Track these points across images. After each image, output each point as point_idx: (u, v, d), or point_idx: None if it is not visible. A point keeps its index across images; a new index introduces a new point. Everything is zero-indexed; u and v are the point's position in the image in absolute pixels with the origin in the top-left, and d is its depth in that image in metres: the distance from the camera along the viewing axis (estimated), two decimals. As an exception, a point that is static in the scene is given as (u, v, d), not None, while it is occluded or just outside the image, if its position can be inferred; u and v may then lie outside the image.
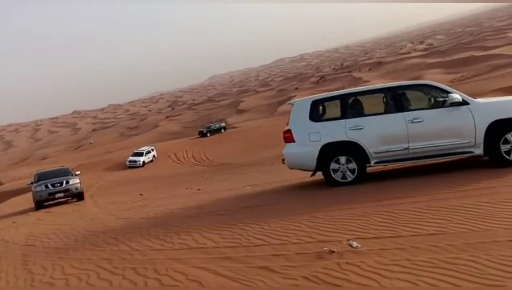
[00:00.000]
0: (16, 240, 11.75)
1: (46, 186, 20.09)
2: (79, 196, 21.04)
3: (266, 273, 5.78)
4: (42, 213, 18.99)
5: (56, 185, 20.21)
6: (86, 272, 7.36)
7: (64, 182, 20.44)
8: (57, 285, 7.01)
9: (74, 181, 20.90)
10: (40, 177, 21.16)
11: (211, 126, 65.45)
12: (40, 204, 19.96)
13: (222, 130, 63.05)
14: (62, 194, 20.36)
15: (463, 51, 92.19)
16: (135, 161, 50.42)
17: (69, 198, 21.34)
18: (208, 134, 61.75)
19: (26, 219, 17.08)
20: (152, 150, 53.28)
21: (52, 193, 20.04)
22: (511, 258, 4.90)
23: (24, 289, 7.18)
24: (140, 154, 51.39)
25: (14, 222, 16.12)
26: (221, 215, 10.39)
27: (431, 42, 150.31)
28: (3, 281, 7.80)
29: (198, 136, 63.59)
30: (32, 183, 21.26)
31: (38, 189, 20.09)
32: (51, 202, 20.47)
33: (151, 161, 51.19)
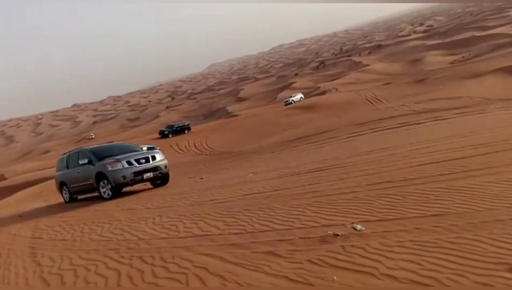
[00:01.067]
0: (23, 233, 11.87)
1: (130, 163, 14.81)
2: (166, 178, 16.68)
3: (271, 258, 5.85)
4: (46, 205, 19.14)
5: (141, 161, 15.19)
6: (94, 263, 7.46)
7: (151, 157, 15.55)
8: (66, 275, 7.11)
9: (162, 157, 16.11)
10: (101, 153, 15.52)
11: (173, 125, 55.36)
12: (119, 190, 15.31)
13: (186, 131, 52.44)
14: (151, 174, 15.43)
15: (464, 31, 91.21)
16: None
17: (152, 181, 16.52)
18: (170, 135, 52.05)
19: (32, 212, 17.22)
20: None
21: (138, 172, 15.00)
22: (514, 236, 4.94)
23: (33, 280, 7.29)
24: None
25: (20, 216, 16.27)
26: (224, 203, 10.45)
27: (431, 23, 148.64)
28: (12, 273, 7.91)
29: (159, 136, 54.29)
30: (89, 162, 15.32)
31: (116, 167, 14.66)
32: (129, 187, 15.80)
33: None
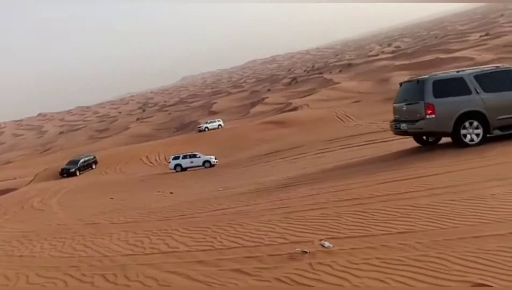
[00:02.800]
0: (-23, 249, 11.18)
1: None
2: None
3: (239, 276, 5.75)
4: (4, 219, 18.17)
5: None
6: (53, 281, 7.08)
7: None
8: (21, 295, 6.71)
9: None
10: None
11: (78, 160, 42.39)
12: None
13: (94, 165, 42.54)
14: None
15: (429, 53, 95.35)
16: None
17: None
18: (78, 172, 40.67)
19: (-12, 226, 16.30)
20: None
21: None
22: (475, 254, 5.07)
23: (-15, 301, 6.84)
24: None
25: (-26, 230, 15.35)
26: (193, 218, 10.26)
27: (399, 44, 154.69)
28: (-39, 293, 7.40)
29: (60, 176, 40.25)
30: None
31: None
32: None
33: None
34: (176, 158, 33.08)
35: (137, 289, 6.01)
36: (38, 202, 22.68)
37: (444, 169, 10.52)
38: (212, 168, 31.97)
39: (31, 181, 39.28)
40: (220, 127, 58.46)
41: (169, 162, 33.55)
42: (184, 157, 33.00)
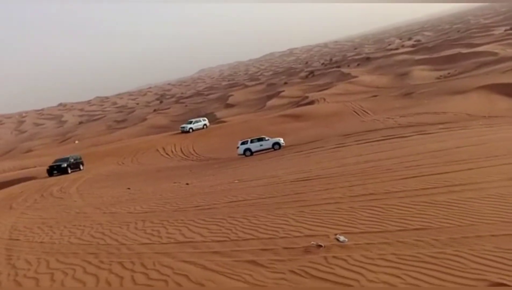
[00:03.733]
0: (0, 234, 11.55)
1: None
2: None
3: (253, 267, 5.80)
4: (25, 206, 18.66)
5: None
6: (72, 267, 7.28)
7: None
8: (42, 280, 6.92)
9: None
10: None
11: (68, 158, 37.21)
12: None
13: (81, 166, 37.21)
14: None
15: (450, 48, 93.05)
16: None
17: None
18: (69, 170, 35.29)
19: (10, 213, 16.79)
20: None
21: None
22: (493, 253, 5.00)
23: (7, 283, 7.07)
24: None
25: (-3, 216, 15.85)
26: (209, 209, 10.37)
27: (419, 38, 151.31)
28: (-14, 275, 7.67)
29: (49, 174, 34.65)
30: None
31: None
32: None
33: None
34: (245, 142, 31.88)
35: (154, 277, 6.13)
36: (58, 190, 23.20)
37: (464, 166, 10.35)
38: (227, 162, 32.05)
39: (51, 169, 40.16)
40: (205, 127, 53.21)
41: (237, 148, 32.88)
42: (252, 141, 32.20)
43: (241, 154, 31.99)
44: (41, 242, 9.71)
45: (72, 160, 37.34)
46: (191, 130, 51.01)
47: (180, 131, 52.66)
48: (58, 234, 10.33)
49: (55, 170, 34.88)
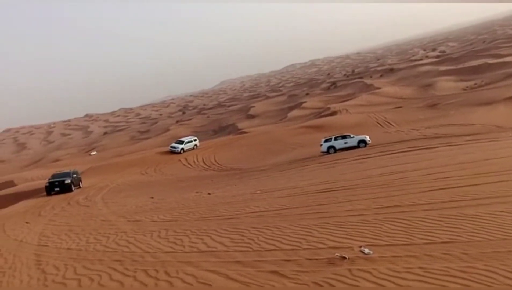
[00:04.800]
0: (29, 240, 11.90)
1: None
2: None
3: (276, 278, 5.77)
4: (53, 214, 19.19)
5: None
6: (98, 273, 7.43)
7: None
8: (70, 285, 7.08)
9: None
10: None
11: (69, 173, 30.16)
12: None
13: (80, 183, 30.69)
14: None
15: (476, 58, 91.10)
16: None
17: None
18: (73, 187, 28.33)
19: (38, 220, 17.29)
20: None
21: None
22: (527, 268, 4.81)
23: (37, 288, 7.26)
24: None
25: (27, 223, 16.34)
26: (231, 219, 10.39)
27: (444, 49, 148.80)
28: (16, 279, 7.91)
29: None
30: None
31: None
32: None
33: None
34: (328, 140, 30.95)
35: (177, 285, 6.17)
36: (83, 198, 23.76)
37: (493, 178, 10.05)
38: (248, 172, 31.97)
39: (77, 178, 41.30)
40: (195, 147, 47.76)
41: (321, 145, 31.79)
42: (336, 138, 30.74)
43: (324, 152, 30.45)
44: (68, 249, 9.94)
45: (75, 176, 30.35)
46: (182, 151, 45.50)
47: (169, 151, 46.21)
48: (85, 241, 10.55)
49: (57, 186, 27.93)
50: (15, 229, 14.73)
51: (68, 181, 28.26)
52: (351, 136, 31.33)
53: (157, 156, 44.32)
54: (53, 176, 29.56)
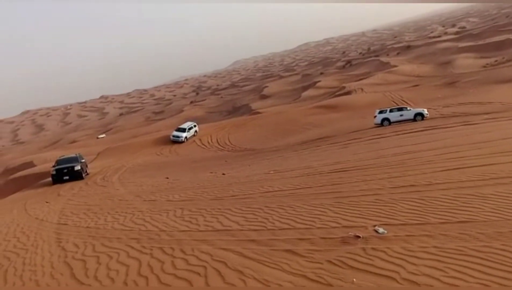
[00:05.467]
0: (50, 219, 12.26)
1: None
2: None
3: (290, 256, 5.82)
4: (72, 193, 19.68)
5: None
6: (116, 251, 7.63)
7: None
8: (89, 262, 7.30)
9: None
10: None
11: (77, 157, 25.88)
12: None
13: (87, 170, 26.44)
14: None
15: (498, 34, 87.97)
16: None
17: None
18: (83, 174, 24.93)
19: (58, 199, 17.77)
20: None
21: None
22: (545, 248, 4.74)
23: (58, 264, 7.51)
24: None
25: (47, 202, 16.82)
26: (245, 199, 10.48)
27: (464, 25, 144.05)
28: (38, 256, 8.19)
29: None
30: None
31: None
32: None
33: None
34: (383, 111, 29.73)
35: (193, 263, 6.30)
36: (101, 179, 24.24)
37: (510, 158, 9.84)
38: (262, 153, 31.92)
39: (93, 159, 42.03)
40: (196, 133, 44.25)
41: (375, 117, 30.83)
42: (392, 110, 29.51)
43: (377, 124, 29.32)
44: (87, 227, 10.22)
45: (83, 160, 26.21)
46: (185, 139, 42.08)
47: (171, 141, 42.12)
48: (103, 220, 10.82)
49: (66, 174, 23.90)
50: (36, 209, 15.18)
51: (78, 167, 24.43)
52: (408, 108, 29.93)
53: (168, 136, 44.64)
54: (58, 162, 25.04)
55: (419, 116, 28.64)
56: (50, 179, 25.52)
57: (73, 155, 27.34)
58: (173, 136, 42.63)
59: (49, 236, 9.84)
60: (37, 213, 13.91)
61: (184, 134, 42.39)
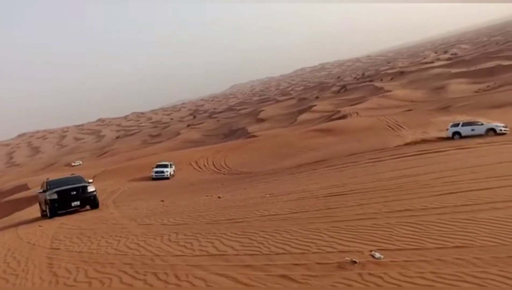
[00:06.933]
0: (42, 243, 12.05)
1: None
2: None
3: (286, 282, 5.73)
4: (65, 218, 19.41)
5: None
6: (109, 276, 7.47)
7: None
8: (81, 288, 7.14)
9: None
10: None
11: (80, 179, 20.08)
12: None
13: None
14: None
15: (489, 60, 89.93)
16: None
17: None
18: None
19: (51, 223, 17.50)
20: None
21: None
22: (542, 274, 4.71)
23: (49, 291, 7.34)
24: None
25: (40, 226, 16.56)
26: (241, 223, 10.39)
27: (455, 51, 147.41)
28: (29, 282, 8.00)
29: None
30: None
31: None
32: None
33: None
34: (455, 125, 29.54)
35: (187, 289, 6.18)
36: (95, 202, 24.00)
37: (506, 182, 9.88)
38: (258, 176, 31.84)
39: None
40: (174, 173, 42.21)
41: (447, 129, 31.02)
42: (464, 124, 29.01)
43: (449, 137, 29.04)
44: (80, 252, 10.04)
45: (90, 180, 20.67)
46: (170, 175, 40.40)
47: (151, 177, 39.55)
48: (96, 244, 10.64)
49: (75, 199, 18.70)
50: (29, 232, 14.93)
51: (92, 188, 19.20)
52: (480, 123, 29.16)
53: (168, 159, 44.61)
54: (57, 183, 19.39)
55: (491, 131, 27.74)
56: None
57: (67, 177, 23.32)
58: (156, 172, 40.46)
59: (41, 261, 9.64)
60: (29, 237, 13.67)
61: (167, 169, 40.78)
